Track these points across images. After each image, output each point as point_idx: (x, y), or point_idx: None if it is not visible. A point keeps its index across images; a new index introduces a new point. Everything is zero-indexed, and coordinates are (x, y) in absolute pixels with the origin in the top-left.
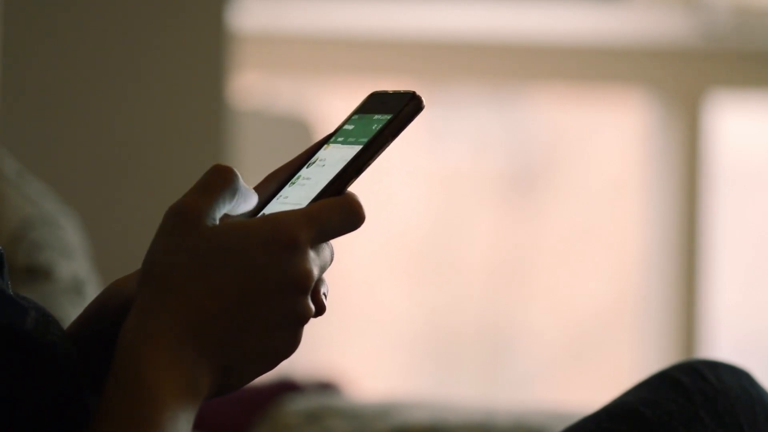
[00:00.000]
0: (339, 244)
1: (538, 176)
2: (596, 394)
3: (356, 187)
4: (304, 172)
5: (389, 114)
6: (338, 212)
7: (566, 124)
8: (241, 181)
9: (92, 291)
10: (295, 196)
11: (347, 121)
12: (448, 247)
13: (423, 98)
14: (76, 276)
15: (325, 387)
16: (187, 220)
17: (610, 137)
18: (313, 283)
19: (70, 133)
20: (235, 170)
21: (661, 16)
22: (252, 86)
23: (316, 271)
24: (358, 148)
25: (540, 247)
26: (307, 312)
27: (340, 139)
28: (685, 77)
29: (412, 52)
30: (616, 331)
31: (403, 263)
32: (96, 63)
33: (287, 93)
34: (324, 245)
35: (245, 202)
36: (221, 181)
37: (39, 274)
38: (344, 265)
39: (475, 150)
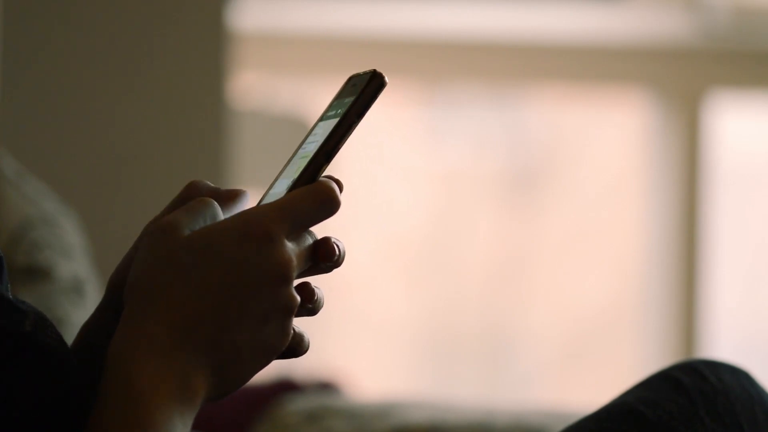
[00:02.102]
0: None
1: (538, 176)
2: (596, 394)
3: (356, 187)
4: (291, 162)
5: (354, 96)
6: (310, 200)
7: (566, 124)
8: (220, 210)
9: (92, 291)
10: (278, 189)
11: (329, 107)
12: (448, 248)
13: (384, 75)
14: (76, 276)
15: (325, 387)
16: (165, 231)
17: (610, 137)
18: (294, 273)
19: (70, 133)
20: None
21: (661, 16)
22: (252, 86)
23: (295, 261)
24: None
25: (540, 247)
26: (292, 302)
27: (320, 125)
28: (685, 77)
29: (412, 52)
30: (616, 331)
31: (402, 263)
32: (96, 63)
33: (287, 93)
34: (305, 234)
35: None
36: (202, 205)
37: (39, 273)
38: (344, 265)
39: (475, 150)
